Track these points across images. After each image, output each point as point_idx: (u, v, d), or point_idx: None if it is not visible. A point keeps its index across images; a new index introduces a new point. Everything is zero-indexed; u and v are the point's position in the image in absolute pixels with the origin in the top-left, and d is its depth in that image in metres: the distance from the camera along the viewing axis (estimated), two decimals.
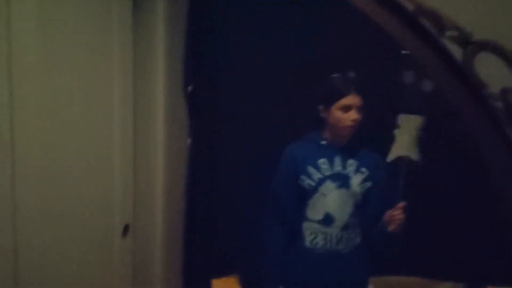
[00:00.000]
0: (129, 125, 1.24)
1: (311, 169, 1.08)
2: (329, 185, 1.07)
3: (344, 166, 1.08)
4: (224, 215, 1.35)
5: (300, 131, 1.15)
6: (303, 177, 1.08)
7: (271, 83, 1.23)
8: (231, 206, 1.33)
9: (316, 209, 1.08)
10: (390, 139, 1.00)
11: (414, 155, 0.97)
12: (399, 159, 0.98)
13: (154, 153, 1.29)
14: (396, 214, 0.99)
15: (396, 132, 0.98)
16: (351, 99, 1.02)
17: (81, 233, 1.12)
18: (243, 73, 1.26)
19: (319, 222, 1.08)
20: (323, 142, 1.10)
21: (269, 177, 1.15)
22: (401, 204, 0.99)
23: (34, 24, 0.93)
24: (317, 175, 1.07)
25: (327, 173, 1.07)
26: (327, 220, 1.07)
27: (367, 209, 1.09)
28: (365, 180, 1.07)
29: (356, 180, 1.07)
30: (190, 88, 1.35)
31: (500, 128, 0.30)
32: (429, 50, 0.31)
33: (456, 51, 0.33)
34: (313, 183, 1.07)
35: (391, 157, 0.99)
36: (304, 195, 1.09)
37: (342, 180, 1.07)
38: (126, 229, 1.26)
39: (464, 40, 0.33)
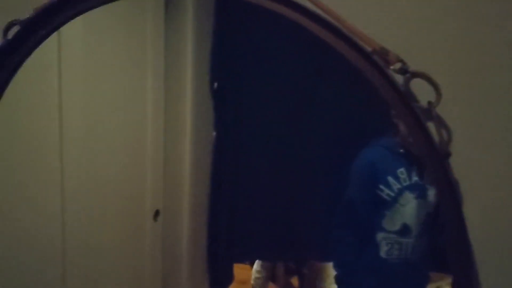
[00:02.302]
0: (160, 121, 1.46)
1: (391, 179, 1.09)
2: (408, 196, 1.08)
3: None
4: (245, 203, 1.51)
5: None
6: (382, 186, 1.09)
7: (287, 85, 1.37)
8: (251, 195, 1.48)
9: (394, 220, 1.10)
10: None
11: None
12: None
13: (182, 145, 1.50)
14: None
15: None
16: None
17: (119, 218, 1.36)
18: (265, 74, 1.41)
19: (395, 232, 1.10)
20: (401, 150, 1.09)
21: (289, 170, 1.29)
22: None
23: (81, 33, 1.16)
24: (396, 186, 1.08)
25: (406, 183, 1.08)
26: (404, 230, 1.10)
27: (436, 215, 1.10)
28: None
29: (432, 190, 1.06)
30: (215, 85, 1.54)
31: (423, 127, 0.51)
32: (380, 77, 0.52)
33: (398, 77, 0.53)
34: (392, 194, 1.09)
35: None
36: (381, 205, 1.09)
37: (420, 191, 1.08)
38: (156, 214, 1.48)
39: (404, 70, 0.54)
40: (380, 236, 1.12)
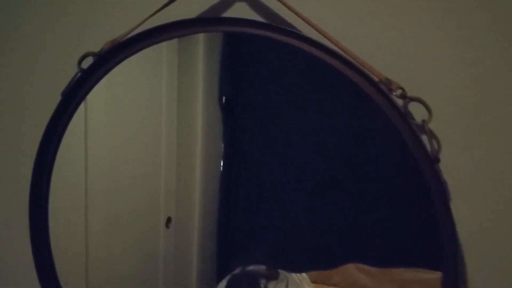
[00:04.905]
0: (173, 136, 1.63)
1: None
2: None
3: None
4: (253, 212, 1.61)
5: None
6: None
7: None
8: (259, 204, 1.59)
9: None
10: None
11: None
12: None
13: (193, 157, 1.66)
14: None
15: None
16: None
17: (135, 224, 1.52)
18: (271, 88, 1.50)
19: None
20: None
21: (297, 180, 1.38)
22: None
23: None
24: None
25: None
26: None
27: None
28: None
29: None
30: (224, 99, 1.71)
31: (418, 139, 0.71)
32: (385, 101, 0.71)
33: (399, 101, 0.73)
34: None
35: None
36: None
37: None
38: (168, 221, 1.65)
39: (403, 95, 0.74)
40: None
